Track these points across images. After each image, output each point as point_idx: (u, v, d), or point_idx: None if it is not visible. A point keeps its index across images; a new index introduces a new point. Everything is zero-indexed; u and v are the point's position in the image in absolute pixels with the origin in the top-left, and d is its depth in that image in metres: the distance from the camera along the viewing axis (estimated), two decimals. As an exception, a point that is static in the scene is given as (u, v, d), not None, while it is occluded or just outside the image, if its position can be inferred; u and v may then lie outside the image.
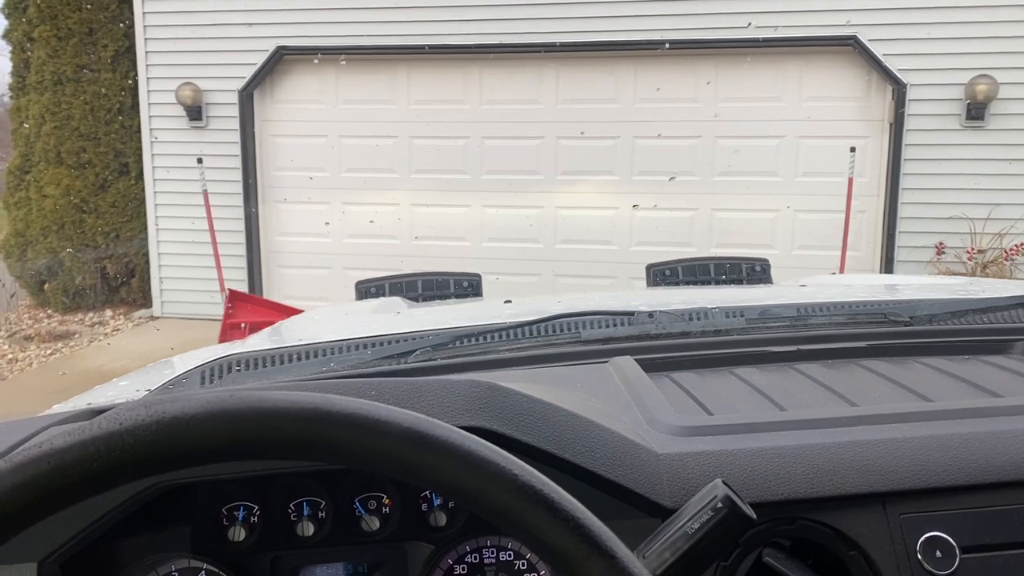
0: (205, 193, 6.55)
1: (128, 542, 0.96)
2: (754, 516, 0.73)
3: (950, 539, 0.87)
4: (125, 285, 7.80)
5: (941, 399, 1.09)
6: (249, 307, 5.24)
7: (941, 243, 6.24)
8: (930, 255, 6.25)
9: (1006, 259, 6.08)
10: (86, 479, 0.52)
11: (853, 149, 6.14)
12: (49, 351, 6.71)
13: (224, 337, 4.90)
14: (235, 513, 0.99)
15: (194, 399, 0.54)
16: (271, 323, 4.24)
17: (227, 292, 5.36)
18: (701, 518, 0.73)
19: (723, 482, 0.74)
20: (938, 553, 0.86)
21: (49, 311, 7.78)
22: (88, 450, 0.52)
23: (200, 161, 6.69)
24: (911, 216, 6.28)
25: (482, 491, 0.55)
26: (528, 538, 0.56)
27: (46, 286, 7.72)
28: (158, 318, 7.37)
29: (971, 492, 0.90)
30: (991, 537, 0.88)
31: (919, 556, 0.86)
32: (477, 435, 0.57)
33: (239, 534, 0.98)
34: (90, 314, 7.65)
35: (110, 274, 7.69)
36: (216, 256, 6.56)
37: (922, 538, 0.87)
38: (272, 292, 7.10)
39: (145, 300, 7.64)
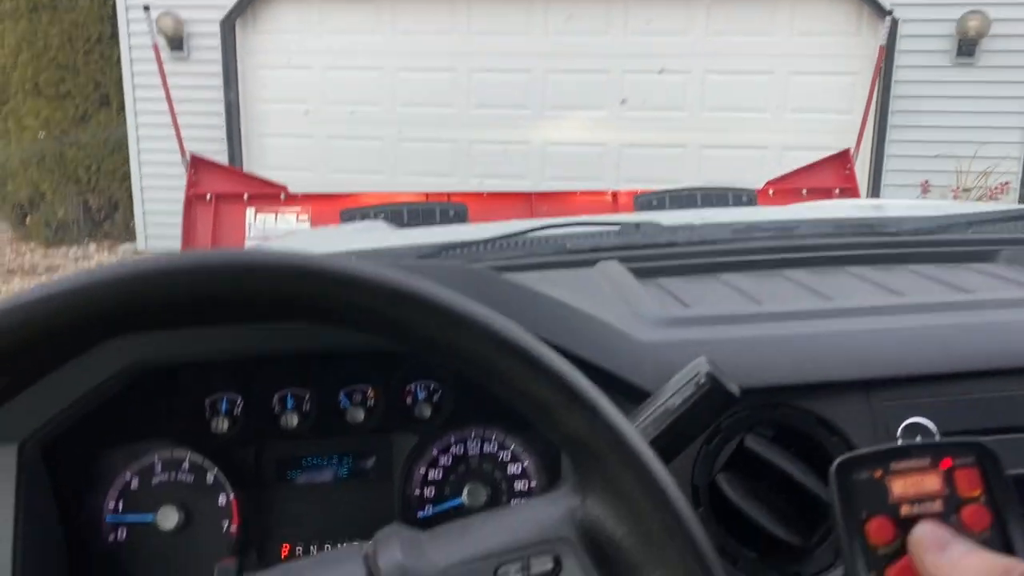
0: (155, 46, 6.03)
1: (110, 429, 0.95)
2: (737, 392, 0.73)
3: (930, 424, 0.87)
4: (109, 219, 7.72)
5: (917, 295, 1.10)
6: (216, 175, 4.55)
7: (926, 181, 6.24)
8: (915, 193, 6.26)
9: (991, 198, 6.09)
10: (53, 333, 0.50)
11: (891, 11, 5.78)
12: (32, 285, 6.66)
13: (189, 212, 4.30)
14: (218, 404, 0.99)
15: (160, 256, 0.53)
16: (239, 195, 4.14)
17: (189, 157, 4.62)
18: (684, 393, 0.73)
19: (706, 359, 0.74)
20: (918, 438, 0.87)
21: (32, 245, 7.70)
22: (57, 303, 0.51)
23: (147, 9, 6.22)
24: (898, 154, 6.27)
25: (464, 346, 0.55)
26: (512, 391, 0.56)
27: (28, 219, 7.63)
28: (142, 252, 7.31)
29: (951, 380, 0.90)
30: (970, 423, 0.88)
31: (900, 441, 0.87)
32: None
33: (222, 425, 0.98)
34: (74, 248, 7.58)
35: (93, 207, 7.61)
36: (173, 118, 5.77)
37: (903, 424, 0.88)
38: (257, 227, 7.03)
39: (129, 234, 7.57)
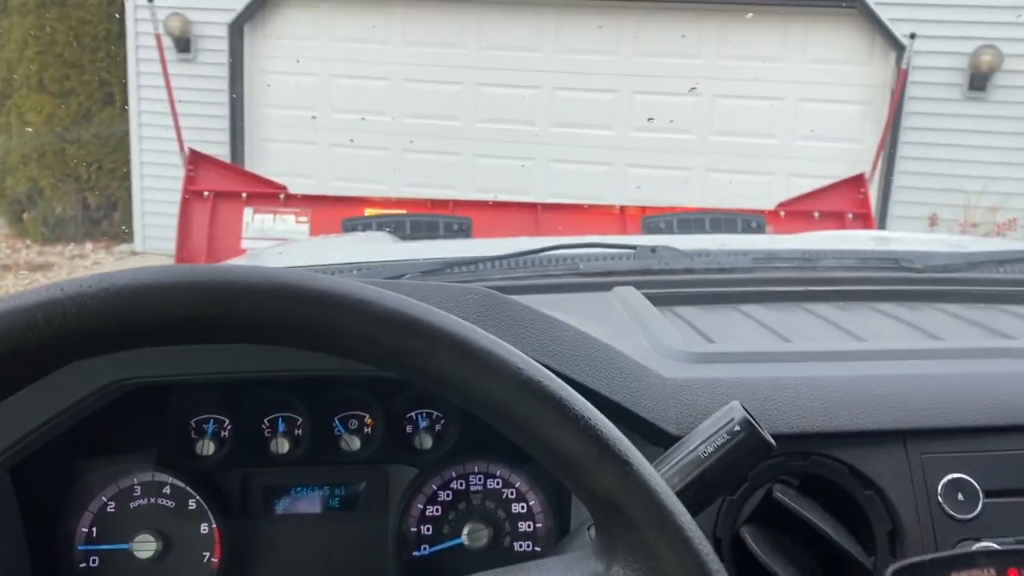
0: (158, 36, 5.86)
1: (87, 450, 0.89)
2: (773, 442, 0.67)
3: (973, 481, 0.81)
4: (107, 218, 7.65)
5: (954, 339, 1.03)
6: (214, 172, 4.41)
7: (934, 214, 6.19)
8: (923, 226, 6.21)
9: (998, 233, 6.04)
10: (19, 352, 0.44)
11: (913, 36, 5.74)
12: (27, 281, 6.58)
13: (185, 209, 4.16)
14: (204, 426, 0.92)
15: (150, 269, 0.46)
16: (238, 193, 4.04)
17: (187, 152, 4.45)
18: (716, 441, 0.67)
19: (741, 404, 0.68)
20: (960, 496, 0.80)
21: (28, 241, 7.63)
22: (25, 318, 0.44)
23: (150, 0, 6.16)
24: (906, 186, 6.22)
25: (479, 385, 0.48)
26: (530, 439, 0.50)
27: (25, 216, 7.56)
28: (140, 254, 7.24)
29: (996, 433, 0.84)
30: (1015, 481, 0.82)
31: (940, 498, 0.80)
32: None
33: (208, 448, 0.91)
34: (70, 246, 7.50)
35: (92, 206, 7.54)
36: (173, 110, 5.59)
37: (944, 480, 0.81)
38: (257, 232, 6.97)
39: (127, 235, 7.50)
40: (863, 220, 4.23)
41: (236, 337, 0.46)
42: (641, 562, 0.50)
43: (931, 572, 0.56)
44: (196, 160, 4.36)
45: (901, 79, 5.57)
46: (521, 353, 0.49)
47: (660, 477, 0.51)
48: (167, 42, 6.81)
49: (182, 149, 4.79)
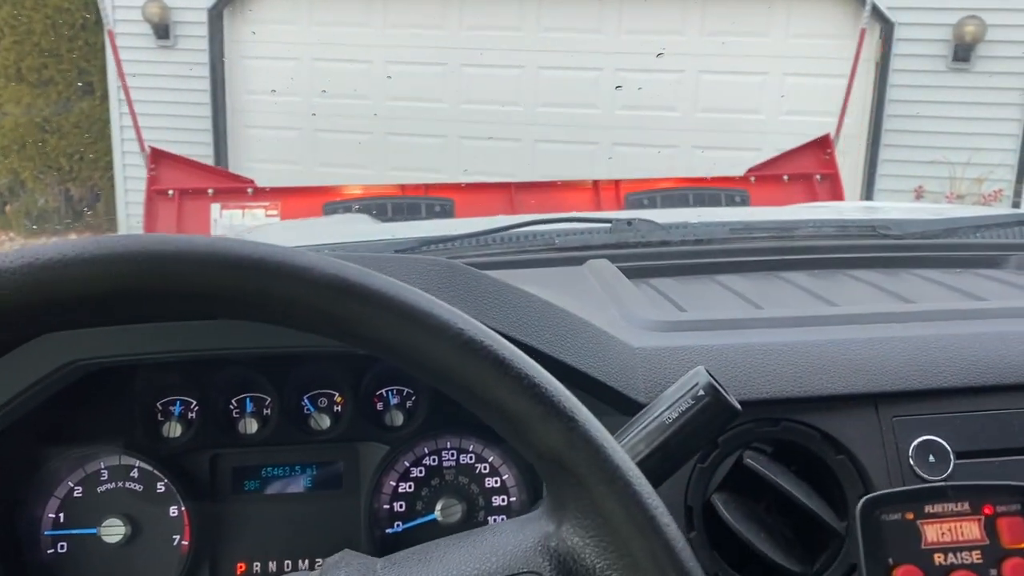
0: (111, 33, 5.76)
1: (52, 433, 0.87)
2: (739, 407, 0.66)
3: (944, 443, 0.80)
4: (90, 209, 7.60)
5: (927, 302, 1.03)
6: (178, 170, 4.30)
7: (920, 187, 6.20)
8: (908, 199, 6.21)
9: (984, 204, 6.05)
10: None
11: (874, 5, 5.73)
12: None
13: (150, 208, 4.08)
14: (171, 408, 0.91)
15: (74, 241, 0.45)
16: (203, 190, 3.99)
17: (149, 151, 4.30)
18: (680, 407, 0.66)
19: (705, 370, 0.67)
20: (931, 458, 0.80)
21: (11, 234, 7.57)
22: None
23: None
24: (892, 159, 6.22)
25: (422, 348, 0.47)
26: (476, 401, 0.49)
27: (7, 208, 7.50)
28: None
29: (966, 395, 0.83)
30: (987, 442, 0.81)
31: (911, 460, 0.79)
32: None
33: (175, 430, 0.90)
34: (54, 237, 7.45)
35: (75, 197, 7.48)
36: (131, 108, 5.42)
37: (915, 442, 0.80)
38: (242, 220, 6.93)
39: (111, 224, 7.45)
40: (831, 181, 4.23)
41: (168, 310, 0.45)
42: (590, 519, 0.50)
43: (902, 503, 0.56)
44: (158, 158, 4.24)
45: (861, 39, 5.52)
46: (463, 314, 0.48)
47: (608, 434, 0.50)
48: (146, 28, 6.74)
49: (143, 148, 4.68)
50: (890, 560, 0.54)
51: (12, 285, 0.43)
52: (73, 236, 7.40)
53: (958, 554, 0.54)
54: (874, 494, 0.56)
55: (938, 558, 0.54)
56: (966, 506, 0.55)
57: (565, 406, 0.48)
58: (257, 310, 0.46)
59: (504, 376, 0.47)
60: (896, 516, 0.55)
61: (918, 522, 0.55)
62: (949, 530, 0.55)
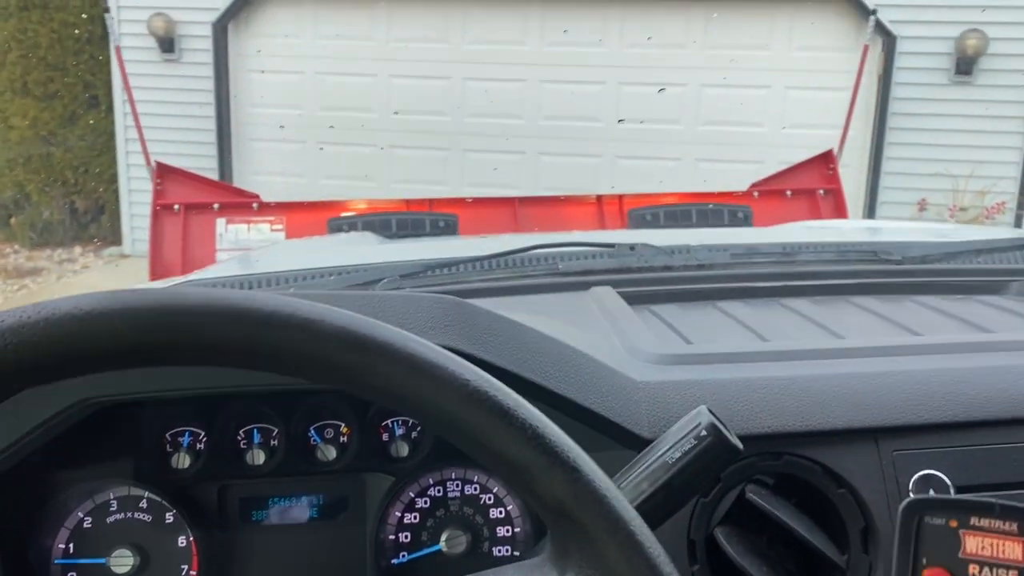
0: (118, 49, 5.77)
1: (62, 465, 0.88)
2: (740, 446, 0.67)
3: (944, 477, 0.81)
4: (95, 222, 7.62)
5: (932, 334, 1.04)
6: (184, 184, 4.30)
7: (923, 199, 6.20)
8: (912, 212, 6.22)
9: (987, 217, 6.06)
10: None
11: (874, 11, 5.77)
12: (16, 287, 6.56)
13: (156, 223, 4.08)
14: (179, 439, 0.92)
15: (91, 295, 0.46)
16: (209, 204, 4.01)
17: (155, 165, 4.28)
18: (683, 447, 0.67)
19: (708, 409, 0.68)
20: (931, 492, 0.81)
21: (16, 246, 7.60)
22: None
23: (107, 11, 6.10)
24: (894, 171, 6.23)
25: (427, 398, 0.48)
26: (481, 450, 0.50)
27: (12, 220, 7.53)
28: (129, 256, 7.21)
29: (966, 429, 0.84)
30: (987, 476, 0.82)
31: (911, 495, 0.80)
32: None
33: (183, 461, 0.91)
34: (59, 250, 7.47)
35: (79, 210, 7.51)
36: (137, 122, 5.39)
37: (915, 476, 0.81)
38: (246, 232, 6.95)
39: (116, 237, 7.47)
40: (834, 196, 4.24)
41: (183, 361, 0.46)
42: (594, 568, 0.50)
43: (948, 510, 0.57)
44: (164, 173, 4.26)
45: (864, 55, 5.53)
46: (470, 364, 0.50)
47: (611, 483, 0.51)
48: (151, 42, 6.78)
49: (148, 163, 4.62)
50: (924, 560, 0.55)
51: (31, 339, 0.44)
52: (78, 248, 7.43)
53: (995, 570, 0.55)
54: (921, 496, 0.57)
55: (973, 569, 0.55)
56: (1013, 527, 0.56)
57: (569, 456, 0.49)
58: (268, 362, 0.47)
59: (508, 426, 0.48)
60: (939, 521, 0.56)
61: (960, 531, 0.56)
62: (990, 545, 0.55)
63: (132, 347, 0.45)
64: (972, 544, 0.56)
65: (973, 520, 0.56)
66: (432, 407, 0.49)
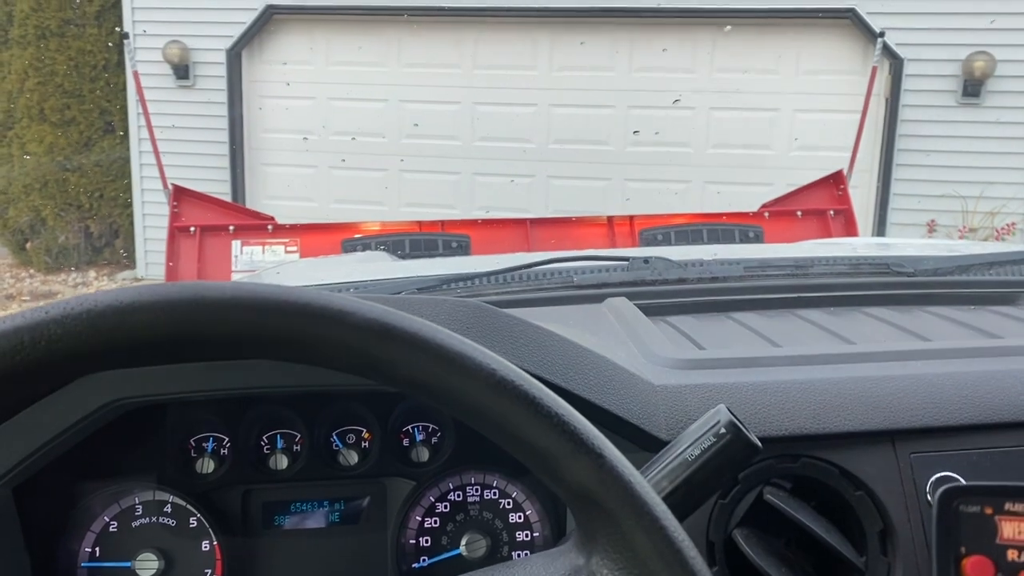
0: (136, 74, 5.83)
1: (89, 469, 0.90)
2: (759, 444, 0.68)
3: (961, 479, 0.82)
4: (109, 246, 7.69)
5: (942, 340, 1.05)
6: (199, 206, 4.35)
7: (932, 220, 6.20)
8: (921, 232, 6.22)
9: (997, 238, 6.05)
10: (8, 375, 0.46)
11: (882, 34, 5.80)
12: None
13: (172, 245, 4.14)
14: (204, 444, 0.94)
15: (131, 288, 0.48)
16: (224, 226, 4.04)
17: (171, 188, 4.34)
18: (702, 444, 0.68)
19: (726, 407, 0.69)
20: (949, 492, 0.81)
21: (31, 270, 7.66)
22: (12, 341, 0.46)
23: (126, 36, 6.23)
24: (903, 193, 6.24)
25: (456, 387, 0.50)
26: (507, 438, 0.51)
27: (28, 245, 7.60)
28: (143, 279, 7.27)
29: (983, 432, 0.85)
30: (1004, 478, 0.83)
31: (928, 496, 0.81)
32: None
33: (207, 466, 0.93)
34: (73, 274, 7.54)
35: (94, 234, 7.58)
36: (154, 146, 5.46)
37: (932, 478, 0.82)
38: (258, 256, 6.99)
39: (130, 261, 7.53)
40: (844, 216, 4.25)
41: (222, 352, 0.48)
42: (619, 552, 0.51)
43: (983, 497, 0.57)
44: (180, 195, 4.31)
45: (872, 77, 5.55)
46: (494, 354, 0.51)
47: (635, 470, 0.52)
48: (166, 69, 6.87)
49: (165, 186, 4.68)
50: (962, 549, 0.56)
51: (75, 330, 0.46)
52: (92, 272, 7.49)
53: None
54: (955, 484, 0.58)
55: (1011, 554, 0.56)
56: None
57: (594, 443, 0.51)
58: (302, 353, 0.49)
59: (535, 414, 0.50)
60: (975, 508, 0.57)
61: (996, 517, 0.56)
62: None
63: (172, 338, 0.47)
64: (1009, 529, 0.56)
65: (1008, 506, 0.57)
66: (459, 396, 0.51)
